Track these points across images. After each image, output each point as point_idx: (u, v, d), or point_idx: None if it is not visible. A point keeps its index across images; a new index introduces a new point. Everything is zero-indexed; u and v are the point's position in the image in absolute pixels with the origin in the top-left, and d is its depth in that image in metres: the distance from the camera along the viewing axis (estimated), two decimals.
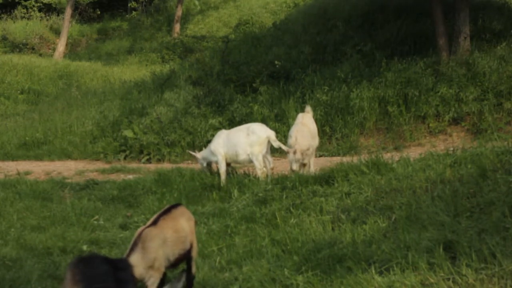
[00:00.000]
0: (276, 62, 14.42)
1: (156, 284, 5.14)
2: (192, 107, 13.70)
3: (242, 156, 9.18)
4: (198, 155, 9.77)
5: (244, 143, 9.10)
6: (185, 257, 5.51)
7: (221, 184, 9.00)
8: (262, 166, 9.07)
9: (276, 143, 9.23)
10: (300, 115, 9.74)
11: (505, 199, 5.25)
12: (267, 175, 9.00)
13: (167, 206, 5.67)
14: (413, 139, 11.56)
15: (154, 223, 5.28)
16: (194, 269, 5.65)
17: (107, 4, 30.48)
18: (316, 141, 9.71)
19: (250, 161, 9.25)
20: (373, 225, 6.00)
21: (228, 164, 9.41)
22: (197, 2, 26.84)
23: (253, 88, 13.91)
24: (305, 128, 9.28)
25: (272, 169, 9.30)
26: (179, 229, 5.37)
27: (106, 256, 4.96)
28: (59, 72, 21.48)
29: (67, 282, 4.01)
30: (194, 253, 5.63)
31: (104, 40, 28.18)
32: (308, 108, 10.00)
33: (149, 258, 5.05)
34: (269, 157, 9.35)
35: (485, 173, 6.10)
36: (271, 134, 9.28)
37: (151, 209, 8.25)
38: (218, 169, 9.49)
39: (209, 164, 9.77)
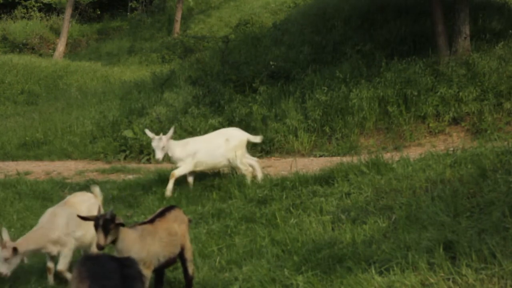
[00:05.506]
0: (271, 63, 14.41)
1: (147, 283, 5.16)
2: (191, 107, 13.70)
3: (222, 162, 9.22)
4: None
5: (224, 149, 9.12)
6: (174, 261, 5.56)
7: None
8: (247, 167, 9.14)
9: (257, 139, 9.46)
10: (72, 195, 6.71)
11: (505, 199, 5.25)
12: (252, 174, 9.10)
13: (161, 208, 5.71)
14: (413, 139, 11.54)
15: (151, 221, 5.41)
16: (191, 271, 5.65)
17: (107, 4, 30.50)
18: (80, 232, 6.22)
19: (226, 166, 9.33)
20: (373, 225, 6.00)
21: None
22: (192, 2, 26.84)
23: (252, 88, 13.89)
24: (70, 210, 6.25)
25: (262, 167, 9.43)
26: (172, 233, 5.42)
27: (113, 255, 4.99)
28: (59, 72, 21.47)
29: (74, 280, 4.06)
30: (189, 255, 5.63)
31: (104, 40, 28.19)
32: (97, 191, 6.74)
33: (142, 251, 5.10)
34: (251, 157, 9.49)
35: (485, 173, 6.11)
36: (248, 135, 9.45)
37: (151, 209, 8.24)
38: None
39: None
